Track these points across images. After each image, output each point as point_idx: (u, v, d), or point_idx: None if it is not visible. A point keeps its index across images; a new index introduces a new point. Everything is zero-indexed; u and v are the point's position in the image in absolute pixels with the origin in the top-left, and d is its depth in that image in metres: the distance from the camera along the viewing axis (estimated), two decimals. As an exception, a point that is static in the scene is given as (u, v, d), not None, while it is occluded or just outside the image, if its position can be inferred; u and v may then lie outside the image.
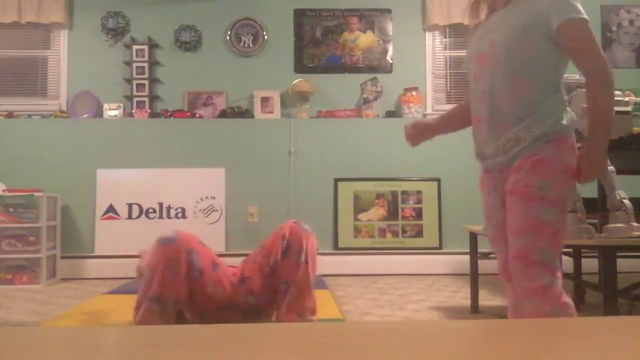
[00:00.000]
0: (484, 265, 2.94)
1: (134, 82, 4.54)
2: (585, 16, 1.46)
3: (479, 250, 2.87)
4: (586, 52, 1.46)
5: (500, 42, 1.52)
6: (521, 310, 1.51)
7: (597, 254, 2.02)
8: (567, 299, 1.45)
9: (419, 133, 1.92)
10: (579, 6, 1.46)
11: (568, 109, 1.51)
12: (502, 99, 1.51)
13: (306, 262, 2.03)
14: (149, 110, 4.49)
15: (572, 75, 2.03)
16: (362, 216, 4.33)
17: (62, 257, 4.11)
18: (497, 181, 1.56)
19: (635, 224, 1.84)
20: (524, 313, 1.49)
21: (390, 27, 4.74)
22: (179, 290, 1.94)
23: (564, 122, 1.47)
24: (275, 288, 2.11)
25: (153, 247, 1.96)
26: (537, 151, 1.46)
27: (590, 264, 2.71)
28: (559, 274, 1.45)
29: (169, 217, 4.22)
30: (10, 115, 4.44)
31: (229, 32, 4.68)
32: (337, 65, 4.71)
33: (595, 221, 2.12)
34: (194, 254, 1.99)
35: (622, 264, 2.05)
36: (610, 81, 1.44)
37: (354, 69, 4.71)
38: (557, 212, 1.45)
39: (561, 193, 1.46)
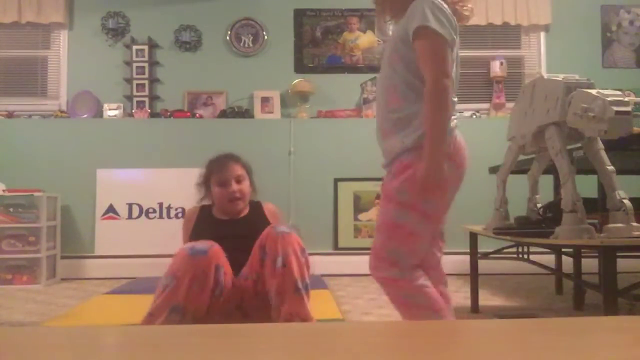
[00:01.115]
0: (484, 265, 2.94)
1: (134, 82, 4.54)
2: (435, 27, 1.46)
3: (479, 250, 2.87)
4: (429, 62, 1.49)
5: (384, 59, 1.65)
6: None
7: (597, 254, 2.01)
8: (422, 284, 1.55)
9: None
10: (431, 16, 1.47)
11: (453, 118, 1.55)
12: (381, 109, 1.63)
13: (284, 265, 1.89)
14: (149, 110, 4.49)
15: (572, 75, 2.04)
16: (362, 216, 4.33)
17: (62, 257, 4.11)
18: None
19: (635, 224, 1.83)
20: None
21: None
22: (202, 305, 1.87)
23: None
24: (268, 302, 1.99)
25: (181, 255, 1.88)
26: (404, 157, 1.53)
27: (590, 264, 2.71)
28: (412, 272, 1.55)
29: (169, 217, 4.22)
30: (10, 115, 4.44)
31: (229, 32, 4.68)
32: (337, 65, 4.71)
33: (595, 221, 2.12)
34: (221, 272, 1.92)
35: (622, 264, 2.05)
36: (443, 95, 1.46)
37: (354, 69, 4.71)
38: (414, 216, 1.53)
39: (420, 198, 1.50)
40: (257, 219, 2.28)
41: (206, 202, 2.35)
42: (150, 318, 1.84)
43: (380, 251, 1.61)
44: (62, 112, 4.48)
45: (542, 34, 4.82)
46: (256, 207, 2.36)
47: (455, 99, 1.56)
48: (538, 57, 4.83)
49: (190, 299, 1.83)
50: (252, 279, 2.00)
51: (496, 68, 4.60)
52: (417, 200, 1.51)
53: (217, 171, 2.27)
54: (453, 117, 1.56)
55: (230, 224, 2.24)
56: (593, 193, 2.49)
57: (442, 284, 1.70)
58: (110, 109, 4.46)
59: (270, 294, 1.93)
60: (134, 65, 4.54)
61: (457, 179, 1.60)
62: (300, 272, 1.93)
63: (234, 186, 2.23)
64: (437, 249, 1.70)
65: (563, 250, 3.05)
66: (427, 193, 1.49)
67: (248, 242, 2.05)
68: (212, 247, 1.90)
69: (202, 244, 1.91)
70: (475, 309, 2.85)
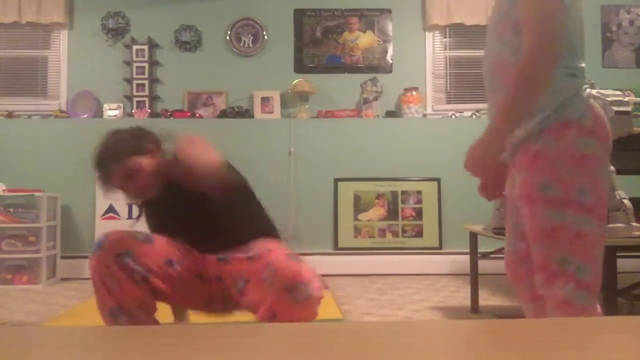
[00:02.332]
0: (484, 265, 2.94)
1: (134, 82, 4.54)
2: None
3: (479, 250, 2.87)
4: (530, 22, 1.21)
5: (489, 36, 1.39)
6: (537, 313, 1.38)
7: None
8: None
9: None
10: None
11: (584, 87, 1.29)
12: (494, 90, 1.37)
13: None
14: (149, 110, 4.49)
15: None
16: (362, 216, 4.33)
17: (62, 257, 4.11)
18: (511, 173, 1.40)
19: (635, 224, 1.84)
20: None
21: (390, 27, 4.74)
22: (135, 296, 1.67)
23: (564, 102, 1.25)
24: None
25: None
26: (531, 143, 1.26)
27: (590, 264, 2.71)
28: (588, 286, 1.23)
29: (169, 217, 4.22)
30: (10, 115, 4.44)
31: (229, 32, 4.68)
32: (337, 65, 4.70)
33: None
34: (128, 256, 1.67)
35: (622, 264, 2.05)
36: (532, 71, 1.19)
37: (354, 69, 4.70)
38: (572, 214, 1.22)
39: (573, 189, 1.23)
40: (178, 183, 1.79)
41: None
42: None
43: (550, 265, 1.25)
44: (62, 112, 4.48)
45: (542, 34, 4.81)
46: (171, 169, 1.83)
47: (583, 65, 1.30)
48: (538, 57, 4.82)
49: (117, 297, 1.65)
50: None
51: (496, 68, 4.59)
52: (572, 192, 1.23)
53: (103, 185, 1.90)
54: (585, 85, 1.29)
55: (164, 206, 1.87)
56: (593, 193, 2.49)
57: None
58: (110, 109, 4.46)
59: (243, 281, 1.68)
60: (134, 65, 4.54)
61: (605, 156, 1.28)
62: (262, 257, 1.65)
63: (127, 197, 1.91)
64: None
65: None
66: (471, 172, 1.26)
67: (188, 210, 1.80)
68: (107, 237, 1.70)
69: (99, 237, 1.73)
70: (475, 309, 2.84)
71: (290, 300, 1.52)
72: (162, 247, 1.78)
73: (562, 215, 1.23)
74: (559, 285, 1.23)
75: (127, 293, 1.66)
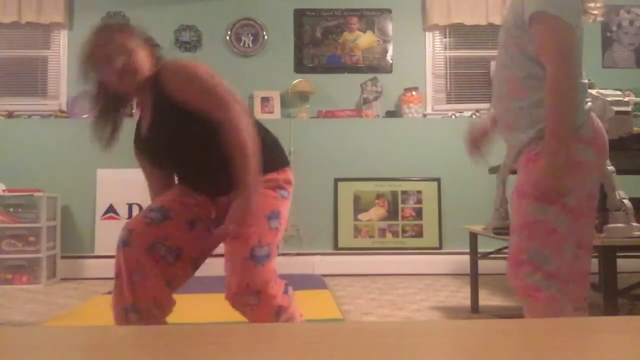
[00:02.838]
0: (484, 265, 2.94)
1: (134, 82, 4.54)
2: (563, 16, 1.32)
3: (479, 250, 2.87)
4: (551, 52, 1.34)
5: (499, 45, 1.51)
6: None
7: (597, 254, 2.01)
8: (565, 307, 1.35)
9: (478, 139, 1.71)
10: (559, 1, 1.33)
11: (585, 101, 1.41)
12: (502, 99, 1.50)
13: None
14: (149, 110, 4.49)
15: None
16: (362, 216, 4.33)
17: (62, 257, 4.11)
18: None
19: (635, 224, 1.83)
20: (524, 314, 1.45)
21: (390, 27, 4.74)
22: (157, 294, 1.65)
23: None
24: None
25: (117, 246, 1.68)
26: (534, 147, 1.39)
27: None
28: (553, 275, 1.35)
29: (169, 217, 4.22)
30: (10, 115, 4.44)
31: (229, 32, 4.68)
32: (337, 65, 4.70)
33: (596, 221, 2.12)
34: (157, 245, 1.64)
35: (622, 264, 2.05)
36: (566, 91, 1.32)
37: (354, 69, 4.70)
38: (554, 211, 1.35)
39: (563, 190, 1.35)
40: (165, 110, 1.65)
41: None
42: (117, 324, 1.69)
43: (518, 254, 1.40)
44: (62, 112, 4.48)
45: (542, 34, 4.81)
46: (156, 92, 1.67)
47: (586, 80, 1.44)
48: (538, 57, 4.83)
49: (137, 294, 1.63)
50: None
51: (496, 68, 4.60)
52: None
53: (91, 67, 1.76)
54: (587, 99, 1.42)
55: (150, 135, 1.73)
56: (593, 193, 2.49)
57: (581, 301, 1.44)
58: (110, 109, 4.45)
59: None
60: (134, 65, 4.54)
61: (599, 165, 1.42)
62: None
63: (112, 81, 1.70)
64: (588, 255, 1.45)
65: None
66: (545, 200, 1.34)
67: (177, 143, 1.66)
68: (130, 233, 1.64)
69: (123, 232, 1.68)
70: (475, 309, 2.85)
71: (243, 303, 1.56)
72: (180, 214, 1.69)
73: (546, 211, 1.35)
74: (525, 274, 1.37)
75: (150, 289, 1.63)
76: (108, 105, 1.79)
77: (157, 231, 1.65)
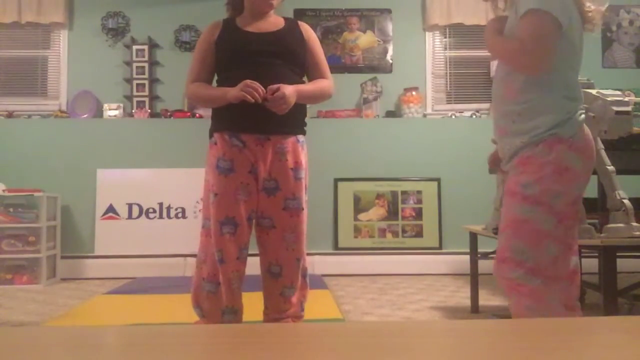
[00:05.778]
0: (483, 265, 2.94)
1: (134, 82, 4.54)
2: (545, 7, 1.36)
3: (479, 250, 2.87)
4: (525, 31, 1.39)
5: None
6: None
7: (597, 254, 2.01)
8: (549, 297, 1.39)
9: (497, 161, 1.80)
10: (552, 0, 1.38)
11: (579, 111, 1.46)
12: (500, 103, 1.55)
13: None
14: (149, 110, 4.49)
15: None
16: (362, 216, 4.33)
17: (62, 257, 4.11)
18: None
19: (635, 224, 1.84)
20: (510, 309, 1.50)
21: (390, 27, 4.74)
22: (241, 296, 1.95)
23: (559, 123, 1.41)
24: None
25: (212, 259, 1.90)
26: (527, 151, 1.44)
27: (590, 264, 2.71)
28: (535, 271, 1.40)
29: (169, 217, 4.22)
30: (10, 115, 4.44)
31: (229, 32, 4.68)
32: (337, 65, 4.70)
33: (595, 221, 2.12)
34: (244, 251, 1.93)
35: (622, 264, 2.05)
36: (516, 59, 1.44)
37: (354, 69, 4.70)
38: (540, 212, 1.40)
39: (549, 193, 1.40)
40: (291, 36, 2.00)
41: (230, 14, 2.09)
42: (205, 321, 1.91)
43: (504, 251, 1.46)
44: (62, 112, 4.48)
45: (542, 34, 4.81)
46: (291, 24, 2.05)
47: (581, 93, 1.50)
48: (538, 57, 4.82)
49: (236, 297, 1.90)
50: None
51: (496, 68, 4.60)
52: (545, 195, 1.40)
53: None
54: (580, 110, 1.47)
55: (260, 38, 1.94)
56: (593, 193, 2.49)
57: (573, 300, 1.47)
58: (110, 109, 4.46)
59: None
60: (134, 65, 4.54)
61: (586, 173, 1.47)
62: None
63: None
64: (572, 255, 1.49)
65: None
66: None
67: (279, 60, 1.92)
68: (222, 252, 1.86)
69: (217, 252, 1.87)
70: (475, 309, 2.85)
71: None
72: (242, 216, 1.91)
73: (533, 212, 1.42)
74: (508, 270, 1.44)
75: (240, 294, 1.92)
76: None
77: (237, 241, 1.90)
